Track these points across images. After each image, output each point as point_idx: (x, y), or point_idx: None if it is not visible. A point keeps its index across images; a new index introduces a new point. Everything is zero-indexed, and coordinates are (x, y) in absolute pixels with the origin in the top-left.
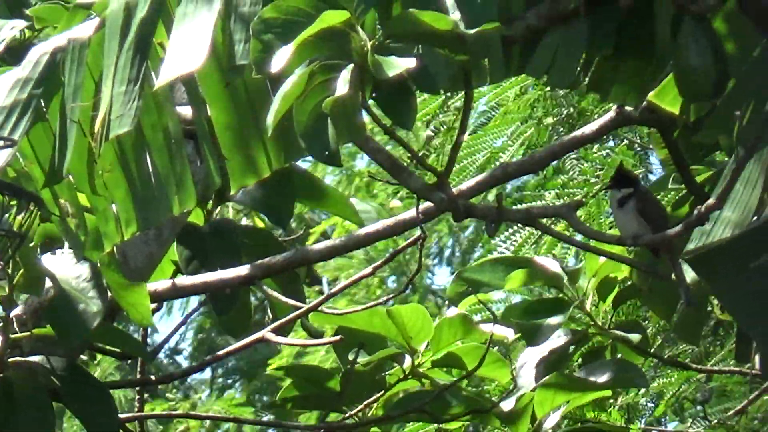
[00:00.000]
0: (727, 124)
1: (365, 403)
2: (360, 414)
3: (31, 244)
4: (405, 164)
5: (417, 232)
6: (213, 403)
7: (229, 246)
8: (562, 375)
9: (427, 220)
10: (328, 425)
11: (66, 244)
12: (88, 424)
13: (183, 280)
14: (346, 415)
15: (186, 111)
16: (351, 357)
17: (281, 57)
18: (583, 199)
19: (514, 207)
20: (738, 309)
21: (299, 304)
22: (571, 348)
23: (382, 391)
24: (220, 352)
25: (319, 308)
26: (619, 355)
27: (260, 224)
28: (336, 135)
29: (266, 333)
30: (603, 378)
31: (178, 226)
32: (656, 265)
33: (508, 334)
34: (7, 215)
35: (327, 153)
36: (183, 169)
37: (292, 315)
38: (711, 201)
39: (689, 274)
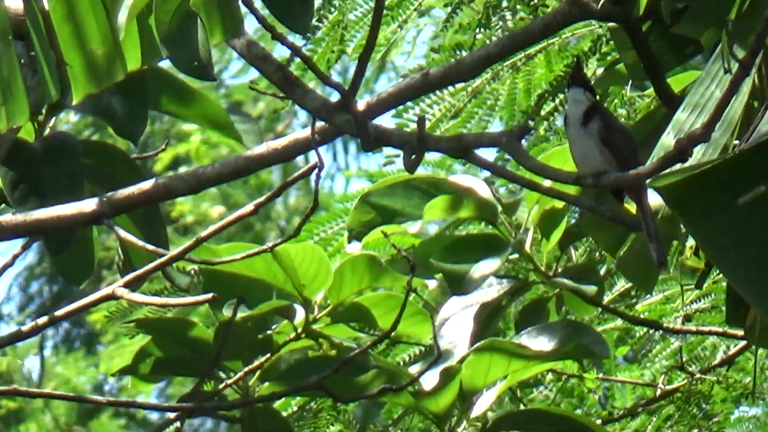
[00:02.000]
0: (717, 16)
1: (245, 369)
2: (239, 383)
3: None
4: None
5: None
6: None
7: (68, 168)
8: (498, 341)
9: (325, 143)
10: (197, 401)
11: None
12: None
13: (9, 217)
14: (221, 385)
15: (16, 3)
16: (228, 312)
17: None
18: (529, 123)
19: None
20: (721, 255)
21: (161, 250)
22: (506, 300)
23: (268, 354)
24: (58, 312)
25: (186, 256)
26: (566, 310)
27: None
28: (208, 32)
29: (117, 288)
30: (551, 344)
31: (3, 145)
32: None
33: (427, 281)
34: None
35: (195, 63)
36: (12, 73)
37: (151, 264)
38: (697, 129)
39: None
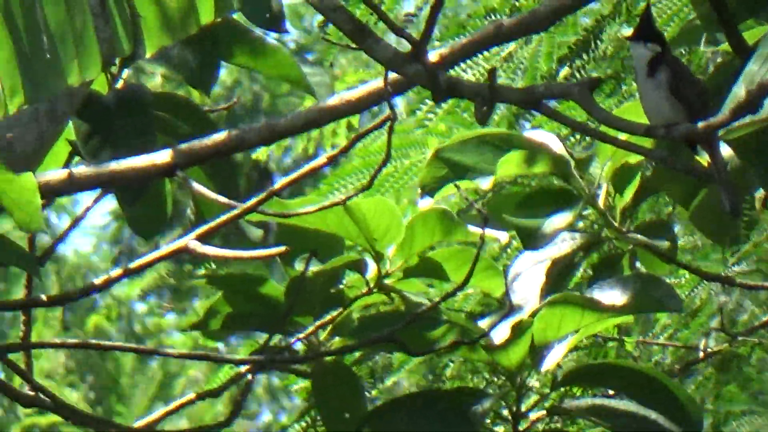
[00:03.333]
0: None
1: (317, 324)
2: (311, 337)
3: None
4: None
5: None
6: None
7: (140, 120)
8: (570, 295)
9: (397, 94)
10: (269, 354)
11: None
12: None
13: (82, 169)
14: (293, 339)
15: None
16: (300, 266)
17: None
18: (600, 76)
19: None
20: None
21: (233, 203)
22: (579, 255)
23: (339, 309)
24: (132, 265)
25: (259, 208)
26: (640, 266)
27: None
28: None
29: (190, 240)
30: (623, 298)
31: (77, 98)
32: (686, 159)
33: (499, 235)
34: None
35: (267, 14)
36: (84, 26)
37: (224, 217)
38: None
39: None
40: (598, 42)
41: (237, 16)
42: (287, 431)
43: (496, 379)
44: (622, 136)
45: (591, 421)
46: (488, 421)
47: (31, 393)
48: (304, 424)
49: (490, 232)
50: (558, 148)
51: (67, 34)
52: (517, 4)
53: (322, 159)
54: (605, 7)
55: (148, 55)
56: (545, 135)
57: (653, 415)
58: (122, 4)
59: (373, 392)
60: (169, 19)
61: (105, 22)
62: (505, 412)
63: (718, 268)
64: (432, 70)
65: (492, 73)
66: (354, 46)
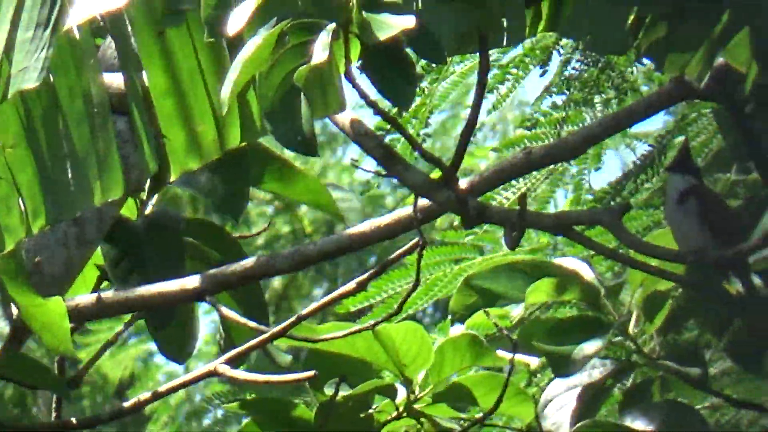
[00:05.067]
0: None
1: None
2: None
3: None
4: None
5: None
6: None
7: (170, 245)
8: (601, 421)
9: (427, 221)
10: None
11: None
12: None
13: (111, 294)
14: None
15: (117, 79)
16: (329, 391)
17: (241, 15)
18: (629, 202)
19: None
20: None
21: (262, 327)
22: (610, 381)
23: None
24: (162, 388)
25: (288, 332)
26: (671, 394)
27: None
28: (312, 109)
29: (218, 364)
30: (653, 425)
31: (105, 222)
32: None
33: (529, 359)
34: None
35: (299, 138)
36: (108, 147)
37: (253, 342)
38: None
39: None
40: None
41: (267, 141)
42: None
43: None
44: (653, 262)
45: None
46: None
47: None
48: None
49: (520, 358)
50: (589, 275)
51: (90, 155)
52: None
53: (351, 285)
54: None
55: (173, 178)
56: (576, 262)
57: None
58: (149, 128)
59: None
60: (195, 143)
61: (134, 147)
62: None
63: (756, 393)
64: (462, 197)
65: (522, 198)
66: (384, 173)
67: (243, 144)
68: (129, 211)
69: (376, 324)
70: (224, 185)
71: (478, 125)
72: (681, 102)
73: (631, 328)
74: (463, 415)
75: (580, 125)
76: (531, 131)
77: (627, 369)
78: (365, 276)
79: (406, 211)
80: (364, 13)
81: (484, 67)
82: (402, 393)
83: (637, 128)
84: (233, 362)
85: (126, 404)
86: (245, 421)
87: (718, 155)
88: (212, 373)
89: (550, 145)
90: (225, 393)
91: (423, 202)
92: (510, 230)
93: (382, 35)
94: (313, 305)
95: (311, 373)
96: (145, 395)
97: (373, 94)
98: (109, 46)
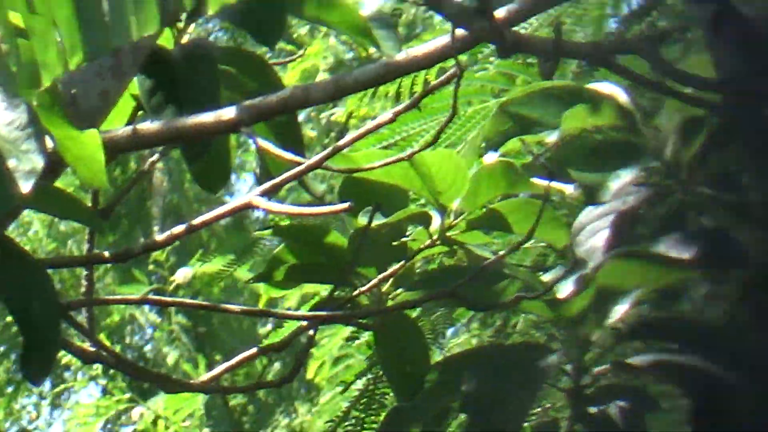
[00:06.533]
0: None
1: (379, 276)
2: (373, 290)
3: None
4: None
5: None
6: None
7: (206, 75)
8: (635, 249)
9: (464, 51)
10: (330, 308)
11: None
12: (17, 312)
13: (148, 125)
14: (356, 291)
15: None
16: (363, 220)
17: None
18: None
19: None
20: None
21: (298, 158)
22: (644, 208)
23: (402, 261)
24: (195, 221)
25: (324, 164)
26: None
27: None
28: None
29: (254, 196)
30: (688, 252)
31: (141, 53)
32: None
33: (565, 187)
34: None
35: None
36: None
37: (289, 173)
38: None
39: None
40: None
41: None
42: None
43: (558, 334)
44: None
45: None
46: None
47: (93, 350)
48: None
49: (555, 185)
50: (625, 99)
51: None
52: None
53: (388, 115)
54: None
55: (211, 11)
56: (612, 87)
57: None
58: None
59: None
60: None
61: None
62: (568, 367)
63: None
64: (498, 25)
65: (557, 27)
66: (421, 1)
67: None
68: (166, 41)
69: (413, 153)
70: (261, 13)
71: None
72: None
73: (668, 153)
74: (497, 241)
75: None
76: None
77: (663, 195)
78: (402, 106)
79: (442, 40)
80: None
81: None
82: (437, 221)
83: None
84: (269, 193)
85: (159, 237)
86: (279, 247)
87: None
88: (248, 206)
89: None
90: None
91: (459, 31)
92: (545, 59)
93: None
94: (351, 135)
95: (346, 205)
96: (179, 228)
97: None
98: None
